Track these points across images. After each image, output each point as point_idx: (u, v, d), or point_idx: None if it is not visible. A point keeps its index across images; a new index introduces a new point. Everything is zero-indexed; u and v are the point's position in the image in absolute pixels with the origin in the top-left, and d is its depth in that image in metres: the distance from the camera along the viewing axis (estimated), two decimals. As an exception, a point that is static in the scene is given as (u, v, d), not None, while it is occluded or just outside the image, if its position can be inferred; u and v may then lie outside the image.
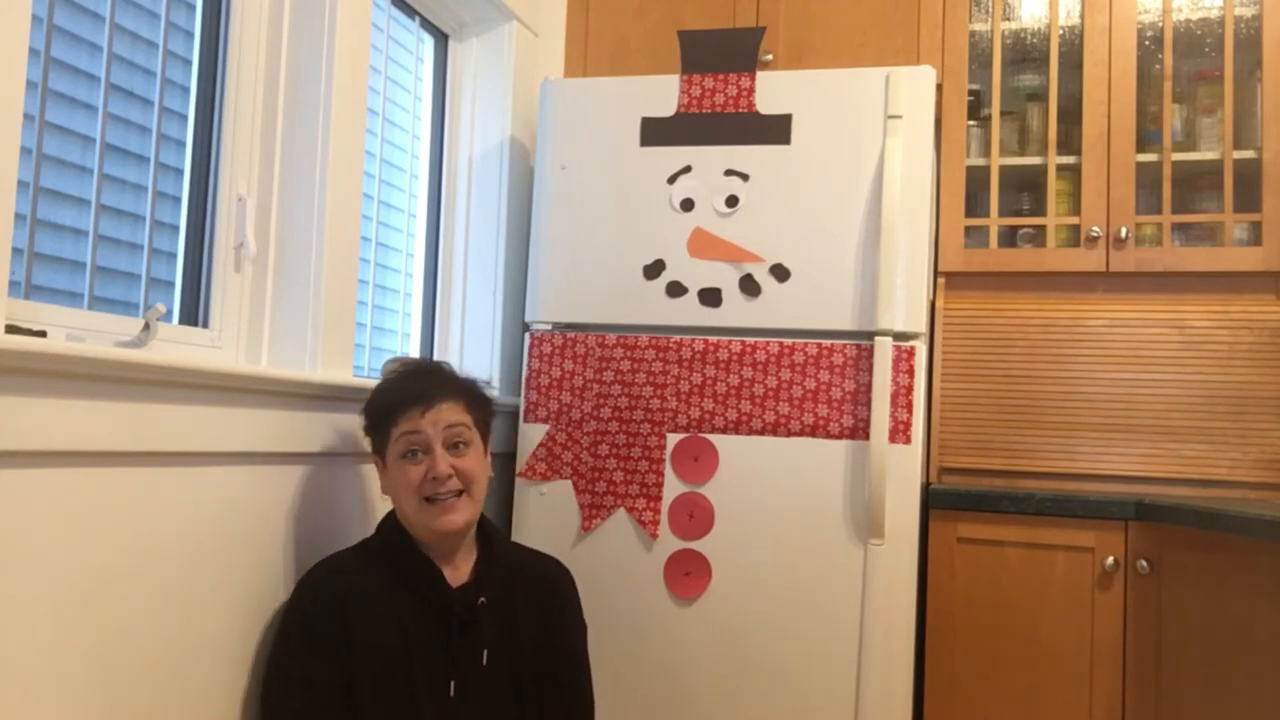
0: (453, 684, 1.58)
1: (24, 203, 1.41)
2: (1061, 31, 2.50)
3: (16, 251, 1.40)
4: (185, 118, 1.74)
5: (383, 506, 1.94)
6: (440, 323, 2.50)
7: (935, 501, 2.18)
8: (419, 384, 1.64)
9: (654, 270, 2.19)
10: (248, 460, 1.56)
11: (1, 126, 1.20)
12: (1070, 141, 2.52)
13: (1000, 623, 2.15)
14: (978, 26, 2.53)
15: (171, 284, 1.72)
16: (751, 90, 2.17)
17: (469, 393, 1.69)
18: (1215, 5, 2.41)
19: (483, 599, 1.62)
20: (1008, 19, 2.56)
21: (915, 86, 2.09)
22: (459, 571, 1.65)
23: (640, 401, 2.15)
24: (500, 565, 1.69)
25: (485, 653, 1.62)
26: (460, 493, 1.61)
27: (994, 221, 2.47)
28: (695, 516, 2.11)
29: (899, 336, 2.05)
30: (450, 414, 1.63)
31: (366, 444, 1.71)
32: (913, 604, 2.01)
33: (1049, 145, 2.45)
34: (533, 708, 1.69)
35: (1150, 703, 2.05)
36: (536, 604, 1.72)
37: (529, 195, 2.60)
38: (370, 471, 1.90)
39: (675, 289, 2.17)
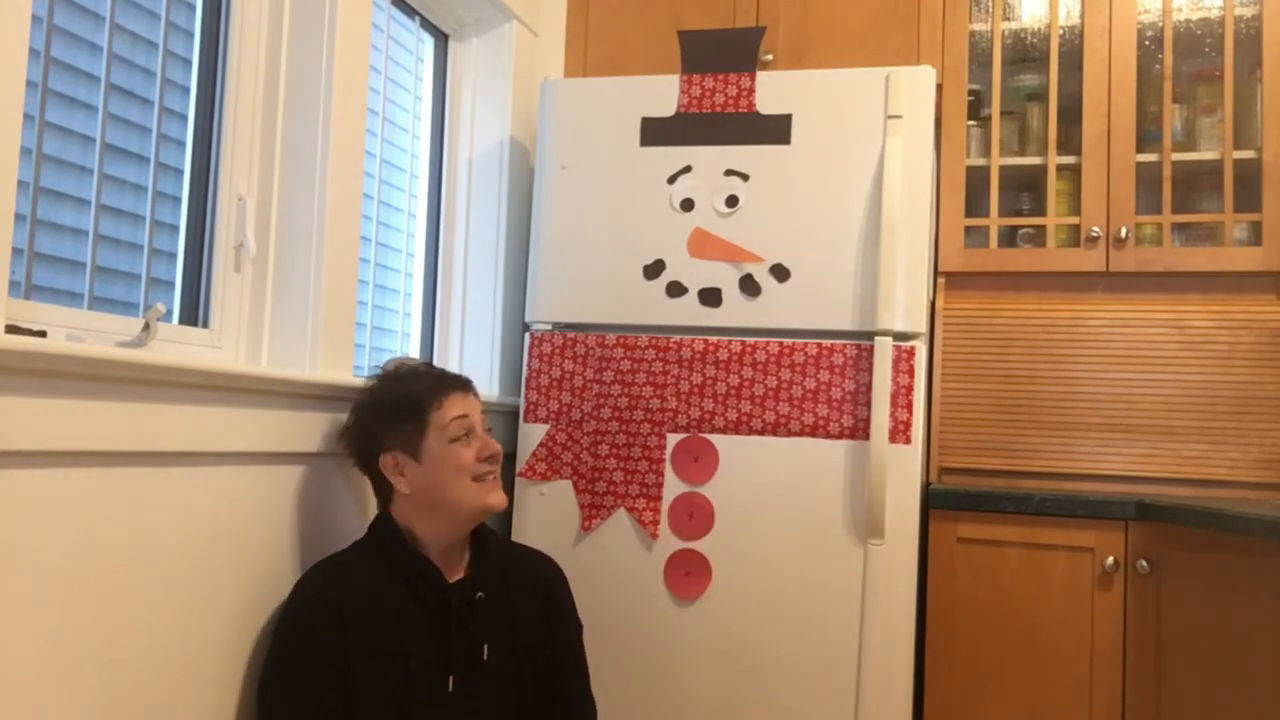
0: (451, 679, 1.59)
1: (24, 203, 1.41)
2: (1061, 31, 2.50)
3: (16, 251, 1.40)
4: (185, 118, 1.74)
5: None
6: (440, 323, 2.50)
7: (935, 501, 2.18)
8: (445, 373, 1.70)
9: (654, 270, 2.19)
10: (248, 460, 1.56)
11: (1, 126, 1.20)
12: (1070, 141, 2.52)
13: (1000, 623, 2.15)
14: (978, 26, 2.53)
15: (171, 284, 1.72)
16: (751, 90, 2.17)
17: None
18: (1215, 5, 2.41)
19: (480, 594, 1.64)
20: (1008, 19, 2.56)
21: (915, 86, 2.09)
22: (454, 569, 1.67)
23: (640, 401, 2.15)
24: (496, 562, 1.71)
25: (486, 647, 1.63)
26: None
27: (994, 221, 2.47)
28: (695, 516, 2.11)
29: (899, 336, 2.05)
30: (479, 401, 1.71)
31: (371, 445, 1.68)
32: (913, 604, 2.01)
33: (1049, 145, 2.45)
34: (531, 703, 1.70)
35: (1150, 703, 2.05)
36: (533, 600, 1.73)
37: (529, 195, 2.61)
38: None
39: (675, 289, 2.17)
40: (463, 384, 1.69)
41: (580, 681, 1.78)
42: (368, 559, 1.62)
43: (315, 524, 1.74)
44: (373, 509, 1.91)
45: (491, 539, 1.74)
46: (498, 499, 1.65)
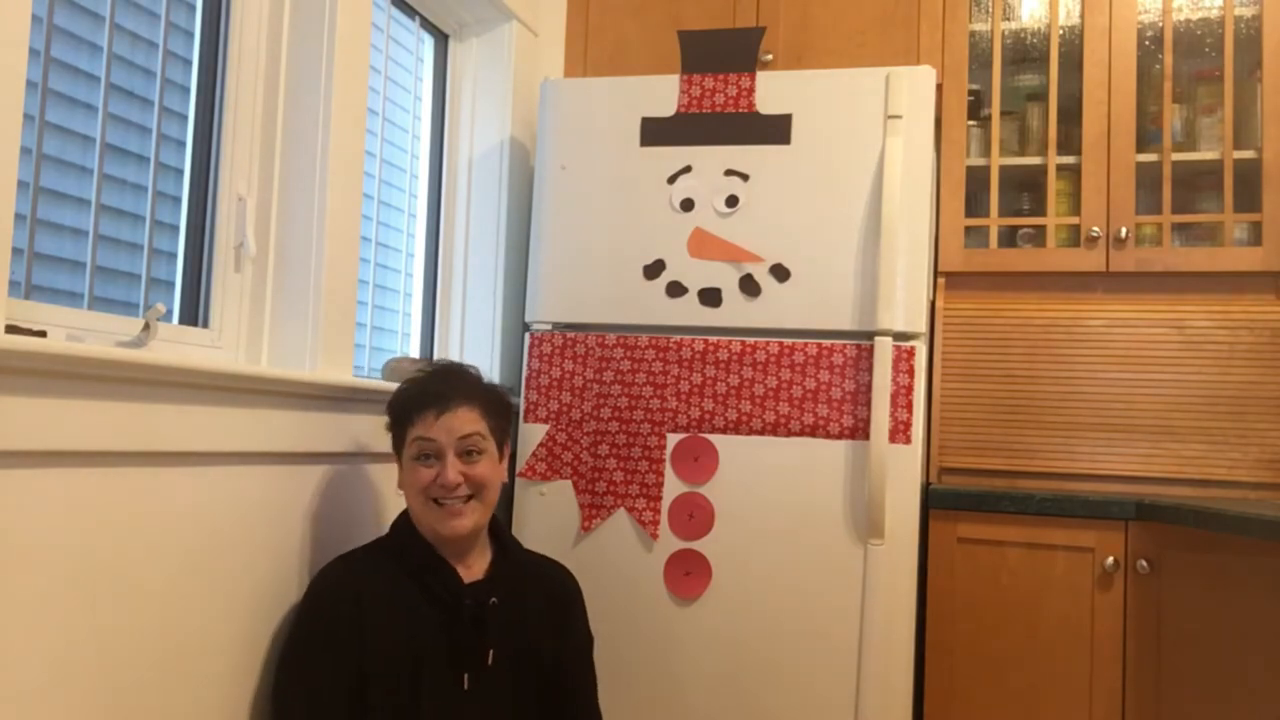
0: (466, 677, 1.59)
1: (24, 203, 1.41)
2: (1061, 31, 2.50)
3: (16, 251, 1.40)
4: (185, 118, 1.74)
5: (389, 505, 1.94)
6: (440, 323, 2.50)
7: (935, 501, 2.18)
8: (437, 386, 1.65)
9: (654, 270, 2.19)
10: (248, 460, 1.56)
11: (1, 126, 1.20)
12: (1070, 141, 2.52)
13: (1000, 623, 2.15)
14: (978, 26, 2.53)
15: (171, 284, 1.72)
16: (751, 90, 2.17)
17: (486, 399, 1.68)
18: (1215, 5, 2.41)
19: (494, 599, 1.63)
20: (1008, 19, 2.56)
21: (915, 86, 2.09)
22: (471, 570, 1.67)
23: (640, 401, 2.15)
24: (514, 567, 1.71)
25: (491, 652, 1.62)
26: (469, 498, 1.62)
27: (994, 221, 2.47)
28: (695, 516, 2.11)
29: (899, 336, 2.05)
30: (465, 422, 1.62)
31: (374, 443, 1.73)
32: (913, 604, 2.01)
33: (1049, 145, 2.45)
34: (530, 711, 1.69)
35: (1150, 703, 2.05)
36: (547, 610, 1.73)
37: (529, 195, 2.61)
38: (369, 471, 1.90)
39: (675, 289, 2.17)
40: (443, 404, 1.62)
41: (588, 693, 1.78)
42: (383, 556, 1.63)
43: (316, 523, 1.74)
44: (377, 509, 1.92)
45: (511, 543, 1.75)
46: (450, 527, 1.60)
